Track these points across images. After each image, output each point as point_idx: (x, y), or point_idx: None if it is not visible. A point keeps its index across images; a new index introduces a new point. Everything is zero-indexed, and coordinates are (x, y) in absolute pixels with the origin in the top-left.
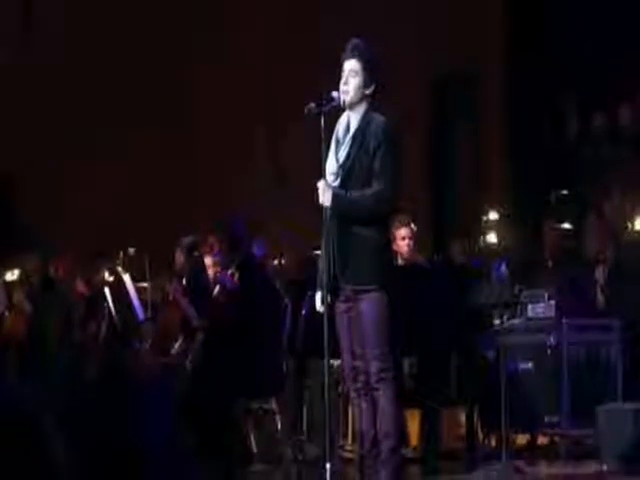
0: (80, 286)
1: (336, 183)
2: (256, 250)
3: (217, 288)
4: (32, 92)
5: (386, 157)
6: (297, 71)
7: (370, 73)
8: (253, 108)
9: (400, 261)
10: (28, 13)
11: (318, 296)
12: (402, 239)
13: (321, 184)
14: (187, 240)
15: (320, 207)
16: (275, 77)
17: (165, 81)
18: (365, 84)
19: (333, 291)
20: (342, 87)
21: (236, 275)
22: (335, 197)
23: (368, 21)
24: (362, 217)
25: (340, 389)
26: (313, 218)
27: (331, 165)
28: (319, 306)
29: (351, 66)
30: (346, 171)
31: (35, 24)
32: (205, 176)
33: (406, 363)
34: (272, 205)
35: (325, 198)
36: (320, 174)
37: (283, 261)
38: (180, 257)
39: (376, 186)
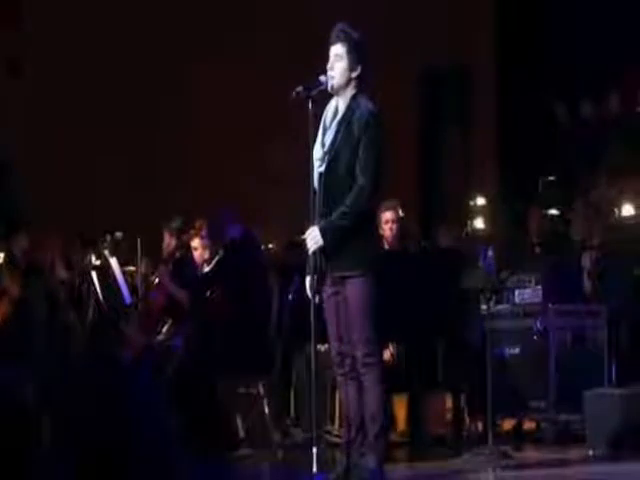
0: (60, 270)
1: (322, 168)
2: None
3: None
4: (33, 83)
5: (369, 145)
6: (295, 70)
7: (355, 56)
8: (250, 103)
9: (385, 246)
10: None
11: (307, 281)
12: (386, 223)
13: (308, 232)
14: (175, 223)
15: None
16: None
17: (161, 77)
18: (351, 67)
19: (321, 276)
20: (329, 72)
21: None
22: (323, 233)
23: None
24: (354, 225)
25: (327, 373)
26: (303, 202)
27: (317, 151)
28: (308, 291)
29: (336, 50)
30: (332, 156)
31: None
32: (196, 164)
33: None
34: (262, 191)
35: (315, 240)
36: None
37: (270, 246)
38: (168, 240)
39: (358, 181)
